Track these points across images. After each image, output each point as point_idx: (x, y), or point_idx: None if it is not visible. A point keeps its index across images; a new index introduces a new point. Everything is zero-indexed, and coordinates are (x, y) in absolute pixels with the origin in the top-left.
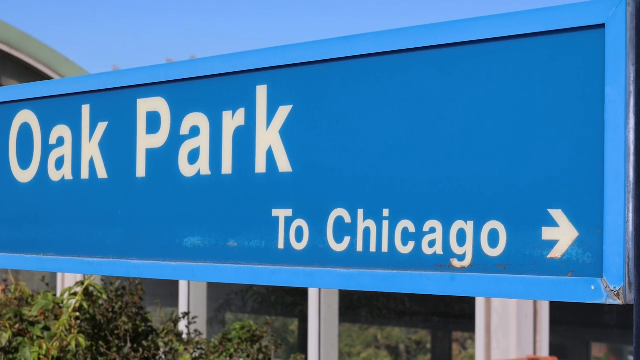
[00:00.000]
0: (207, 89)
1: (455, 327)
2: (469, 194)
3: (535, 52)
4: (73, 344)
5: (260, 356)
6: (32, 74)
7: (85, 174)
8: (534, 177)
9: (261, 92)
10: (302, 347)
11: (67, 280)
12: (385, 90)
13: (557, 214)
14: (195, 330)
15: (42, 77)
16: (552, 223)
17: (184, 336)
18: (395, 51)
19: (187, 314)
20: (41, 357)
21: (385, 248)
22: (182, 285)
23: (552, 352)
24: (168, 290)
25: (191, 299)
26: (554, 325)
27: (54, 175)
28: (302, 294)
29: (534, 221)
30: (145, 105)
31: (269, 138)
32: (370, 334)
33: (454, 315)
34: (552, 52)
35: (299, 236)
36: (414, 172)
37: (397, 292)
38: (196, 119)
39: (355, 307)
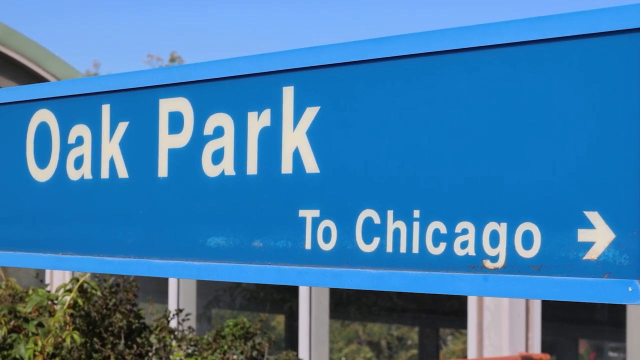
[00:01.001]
0: (231, 90)
1: (443, 323)
2: (502, 196)
3: (570, 55)
4: (68, 340)
5: (254, 353)
6: (17, 70)
7: (105, 173)
8: (569, 179)
9: (288, 93)
10: (290, 343)
11: (56, 277)
12: (415, 91)
13: (593, 216)
14: (189, 327)
15: (28, 72)
16: (588, 225)
17: (177, 333)
18: (426, 53)
19: (180, 310)
20: (36, 353)
21: (416, 249)
22: (172, 282)
23: (543, 349)
24: (158, 287)
25: (180, 296)
26: (544, 322)
27: (73, 174)
28: (292, 290)
29: (569, 223)
30: (168, 105)
31: (295, 139)
32: (352, 329)
33: (442, 312)
34: (589, 54)
35: (326, 237)
36: (446, 173)
37: (428, 292)
38: (220, 119)
39: (344, 303)
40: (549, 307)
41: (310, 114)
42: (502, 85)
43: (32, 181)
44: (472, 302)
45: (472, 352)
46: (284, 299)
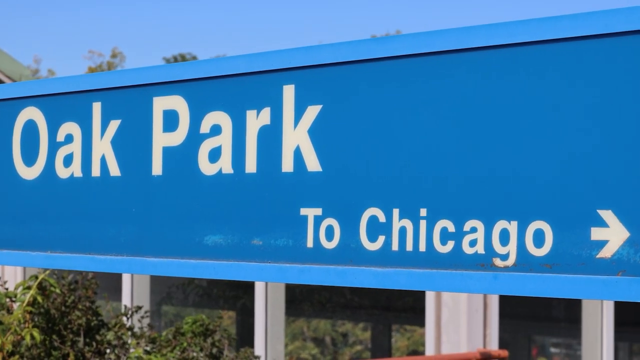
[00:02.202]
0: (229, 89)
1: (397, 320)
2: (512, 195)
3: (582, 54)
4: (27, 338)
5: (214, 350)
6: None
7: (96, 171)
8: (582, 177)
9: (288, 92)
10: (242, 340)
11: (7, 273)
12: (422, 90)
13: (607, 215)
14: (149, 324)
15: None
16: (602, 224)
17: (136, 330)
18: (436, 52)
19: (139, 307)
20: None
21: (422, 247)
22: (126, 279)
23: (499, 345)
24: (111, 284)
25: (134, 293)
26: (500, 318)
27: (62, 172)
28: (245, 287)
29: (582, 222)
30: (162, 103)
31: (296, 137)
32: (297, 326)
33: (396, 309)
34: (600, 54)
35: (329, 235)
36: (453, 172)
37: (436, 290)
38: (217, 117)
39: (297, 300)
40: (505, 304)
41: (312, 112)
42: (512, 84)
43: (18, 179)
44: (430, 299)
45: (429, 348)
46: (236, 295)
